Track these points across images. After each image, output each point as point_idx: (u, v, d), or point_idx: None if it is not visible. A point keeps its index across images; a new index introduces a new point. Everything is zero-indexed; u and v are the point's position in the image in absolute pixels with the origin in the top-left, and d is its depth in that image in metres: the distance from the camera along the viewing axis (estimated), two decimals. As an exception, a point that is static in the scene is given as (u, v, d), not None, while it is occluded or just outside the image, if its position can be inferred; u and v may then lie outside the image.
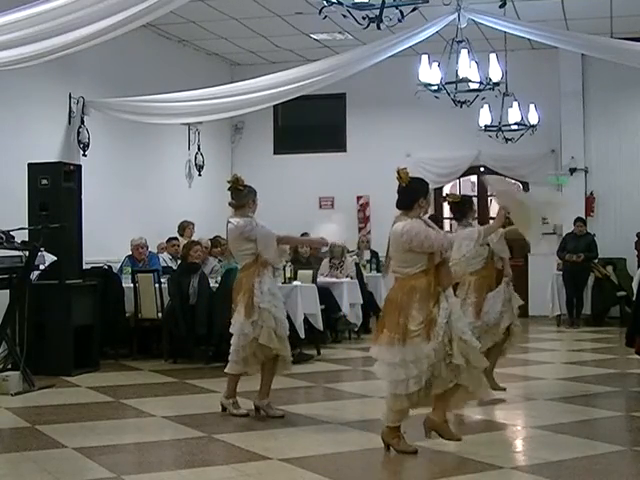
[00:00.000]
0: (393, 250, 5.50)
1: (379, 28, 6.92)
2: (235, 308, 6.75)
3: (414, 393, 5.31)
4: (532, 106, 12.33)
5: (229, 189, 6.83)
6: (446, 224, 15.46)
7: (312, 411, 6.92)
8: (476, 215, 7.39)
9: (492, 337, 7.35)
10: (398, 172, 5.63)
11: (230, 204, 6.84)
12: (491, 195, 15.56)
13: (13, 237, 8.10)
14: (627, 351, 8.78)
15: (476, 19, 10.44)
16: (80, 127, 11.17)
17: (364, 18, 6.82)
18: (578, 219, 13.43)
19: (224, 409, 6.84)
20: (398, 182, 5.63)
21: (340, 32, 13.05)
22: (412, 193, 5.56)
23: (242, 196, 6.76)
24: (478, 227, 5.71)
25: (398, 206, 5.61)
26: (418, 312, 5.31)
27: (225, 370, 6.84)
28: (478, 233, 5.44)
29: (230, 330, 6.79)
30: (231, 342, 6.78)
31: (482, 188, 15.29)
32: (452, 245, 5.38)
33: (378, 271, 12.86)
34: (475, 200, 15.06)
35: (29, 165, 9.19)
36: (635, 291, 8.79)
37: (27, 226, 8.74)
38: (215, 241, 11.57)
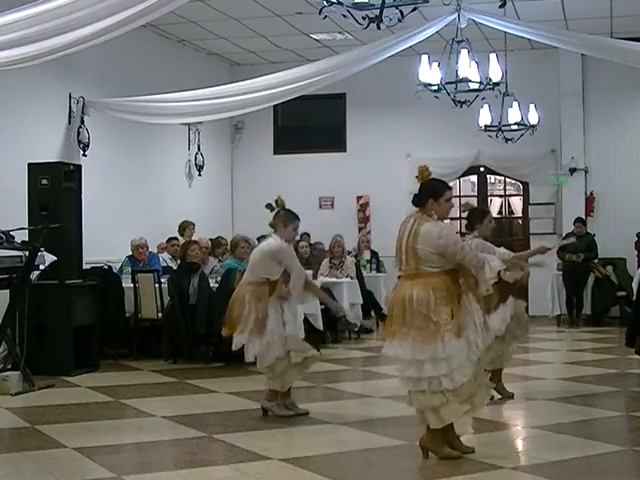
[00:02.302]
0: (424, 248, 5.32)
1: (379, 28, 6.91)
2: (240, 322, 6.68)
3: (450, 391, 5.24)
4: (532, 106, 12.32)
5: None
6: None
7: (312, 411, 6.91)
8: (490, 228, 7.33)
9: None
10: (418, 168, 5.68)
11: None
12: (491, 195, 15.64)
13: (13, 237, 8.10)
14: (627, 351, 8.78)
15: (476, 19, 10.44)
16: (80, 127, 11.16)
17: (364, 18, 6.82)
18: (578, 219, 13.43)
19: (265, 412, 6.75)
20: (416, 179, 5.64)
21: (340, 32, 13.04)
22: (423, 192, 5.54)
23: (274, 216, 6.79)
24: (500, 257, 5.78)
25: (412, 202, 5.61)
26: (445, 308, 5.25)
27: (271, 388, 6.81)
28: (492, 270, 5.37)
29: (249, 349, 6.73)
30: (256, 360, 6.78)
31: (482, 188, 15.34)
32: (480, 267, 5.30)
33: (378, 271, 12.87)
34: (475, 200, 15.23)
35: (29, 165, 9.19)
36: (635, 291, 8.80)
37: (27, 226, 8.74)
38: (217, 241, 11.57)
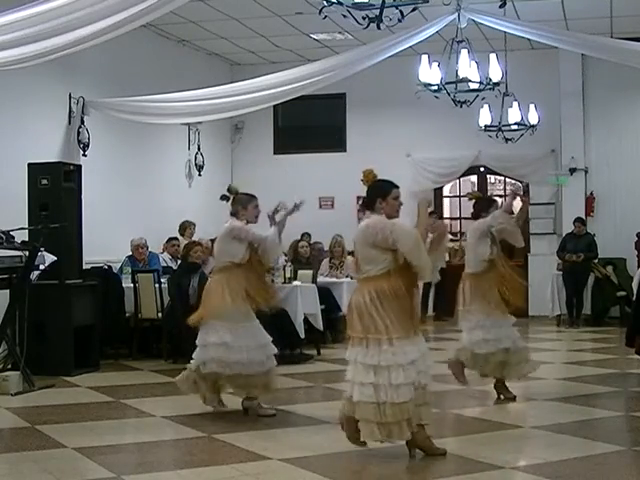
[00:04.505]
0: (359, 247, 5.43)
1: (379, 28, 6.91)
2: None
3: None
4: (532, 106, 12.33)
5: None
6: (446, 223, 15.48)
7: (312, 411, 6.92)
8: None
9: None
10: (363, 172, 5.60)
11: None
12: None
13: (13, 237, 8.10)
14: (627, 351, 8.78)
15: (476, 19, 10.44)
16: (80, 127, 11.17)
17: (364, 18, 6.82)
18: (577, 219, 13.44)
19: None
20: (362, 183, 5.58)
21: (340, 32, 13.05)
22: (370, 194, 5.52)
23: (232, 204, 6.86)
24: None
25: (363, 205, 5.59)
26: (385, 313, 5.24)
27: None
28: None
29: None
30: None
31: (482, 188, 15.33)
32: (417, 244, 5.20)
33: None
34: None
35: (29, 165, 9.20)
36: (635, 291, 8.80)
37: (27, 226, 8.74)
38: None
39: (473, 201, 7.67)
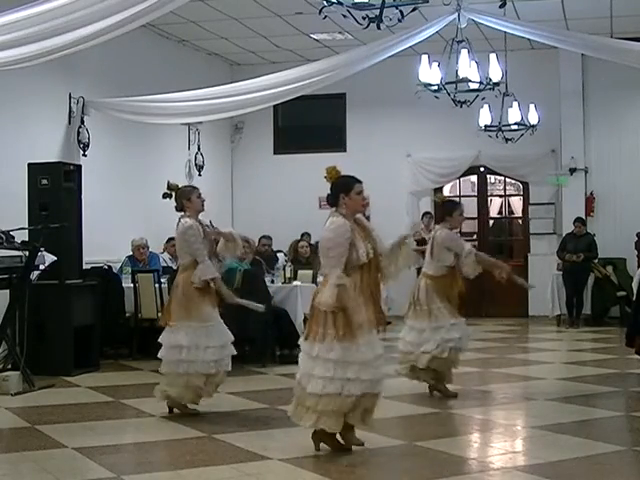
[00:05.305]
0: (321, 245, 5.45)
1: (379, 28, 6.91)
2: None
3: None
4: (532, 106, 12.33)
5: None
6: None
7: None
8: (460, 221, 7.48)
9: None
10: (326, 169, 5.62)
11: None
12: (491, 195, 15.65)
13: (13, 237, 8.10)
14: (627, 351, 8.78)
15: (476, 19, 10.44)
16: (80, 127, 11.16)
17: (364, 18, 6.82)
18: (577, 219, 13.44)
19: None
20: (325, 180, 5.59)
21: (340, 32, 13.05)
22: (333, 190, 5.52)
23: (175, 200, 6.98)
24: None
25: (327, 202, 5.60)
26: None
27: None
28: None
29: None
30: None
31: (482, 188, 15.34)
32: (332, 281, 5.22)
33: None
34: (475, 200, 15.21)
35: (29, 165, 9.19)
36: (635, 291, 8.80)
37: (27, 226, 8.74)
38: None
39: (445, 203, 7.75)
